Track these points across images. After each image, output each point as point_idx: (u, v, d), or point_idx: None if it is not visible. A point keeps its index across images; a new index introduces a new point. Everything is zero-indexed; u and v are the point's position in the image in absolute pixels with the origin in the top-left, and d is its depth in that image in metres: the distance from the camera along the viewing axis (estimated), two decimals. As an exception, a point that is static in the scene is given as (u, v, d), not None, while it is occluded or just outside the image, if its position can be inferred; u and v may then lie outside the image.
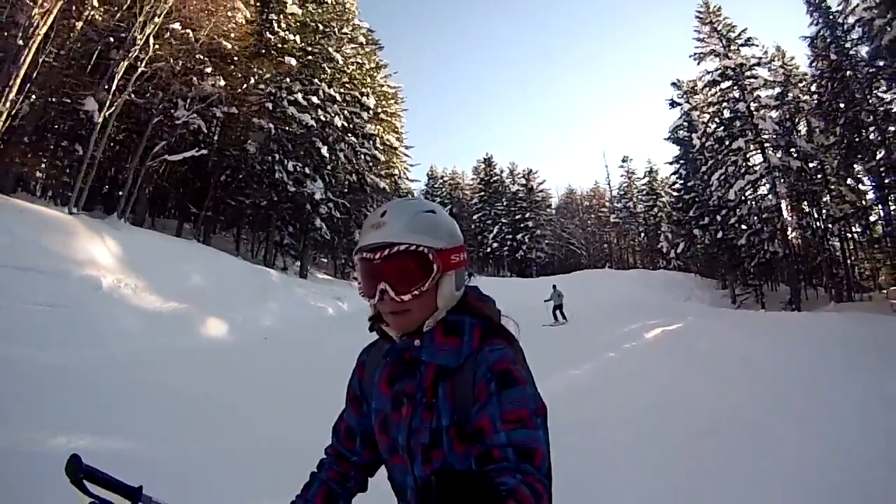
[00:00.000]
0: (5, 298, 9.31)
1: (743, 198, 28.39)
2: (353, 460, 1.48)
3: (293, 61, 25.11)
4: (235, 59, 22.37)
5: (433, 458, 1.23)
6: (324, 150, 26.51)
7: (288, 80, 25.05)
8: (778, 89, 29.56)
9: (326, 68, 28.03)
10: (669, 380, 9.09)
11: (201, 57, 20.51)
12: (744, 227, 28.66)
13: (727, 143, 29.67)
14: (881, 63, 21.85)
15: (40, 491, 3.24)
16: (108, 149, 19.78)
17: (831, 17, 25.40)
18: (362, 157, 31.48)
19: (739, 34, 31.26)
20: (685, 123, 36.83)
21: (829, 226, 26.34)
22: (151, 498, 1.20)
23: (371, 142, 32.17)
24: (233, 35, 21.43)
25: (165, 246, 17.19)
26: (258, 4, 24.17)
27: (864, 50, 23.64)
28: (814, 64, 26.74)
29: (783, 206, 27.38)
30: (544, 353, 11.77)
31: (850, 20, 24.31)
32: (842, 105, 24.46)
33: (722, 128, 30.65)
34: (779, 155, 27.26)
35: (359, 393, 1.47)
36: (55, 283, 10.79)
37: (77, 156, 19.04)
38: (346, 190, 30.02)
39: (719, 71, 30.97)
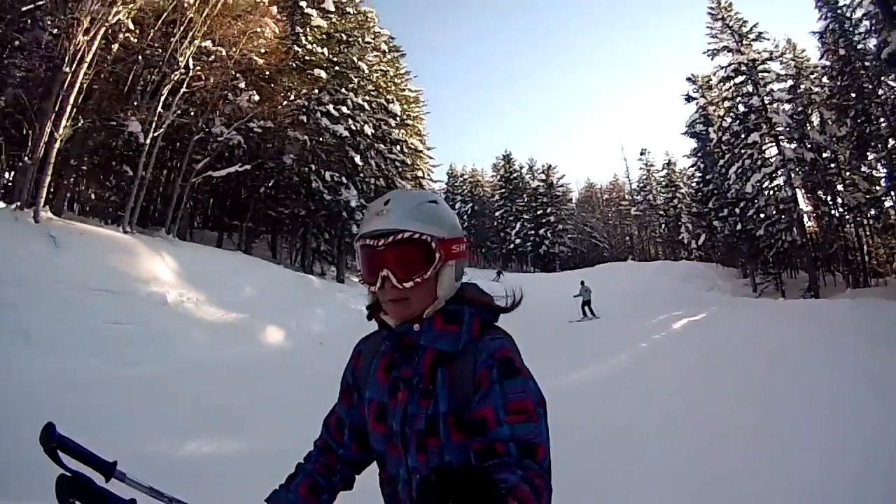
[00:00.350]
0: (86, 318, 9.84)
1: (760, 190, 28.87)
2: (339, 453, 1.47)
3: (322, 73, 25.88)
4: (267, 73, 23.00)
5: (428, 447, 1.23)
6: (357, 159, 27.43)
7: (317, 91, 25.79)
8: (790, 82, 30.07)
9: (353, 77, 28.77)
10: (700, 369, 9.69)
11: (234, 73, 21.16)
12: (762, 216, 29.06)
13: (743, 136, 30.14)
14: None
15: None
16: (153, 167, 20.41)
17: (839, 11, 25.82)
18: (391, 162, 32.41)
19: (751, 29, 31.69)
20: (701, 118, 37.14)
21: (845, 214, 26.93)
22: (126, 474, 1.19)
23: (398, 147, 33.08)
24: (263, 50, 22.04)
25: (216, 259, 18.04)
26: (285, 19, 24.72)
27: (871, 43, 23.98)
28: (824, 57, 27.25)
29: (799, 196, 27.93)
30: (580, 346, 13.36)
31: (858, 13, 24.77)
32: (853, 95, 24.95)
33: (737, 122, 31.11)
34: (793, 146, 27.87)
35: (351, 382, 1.48)
36: (126, 302, 11.35)
37: (127, 176, 19.69)
38: (374, 195, 30.55)
39: (732, 66, 31.40)
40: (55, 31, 16.86)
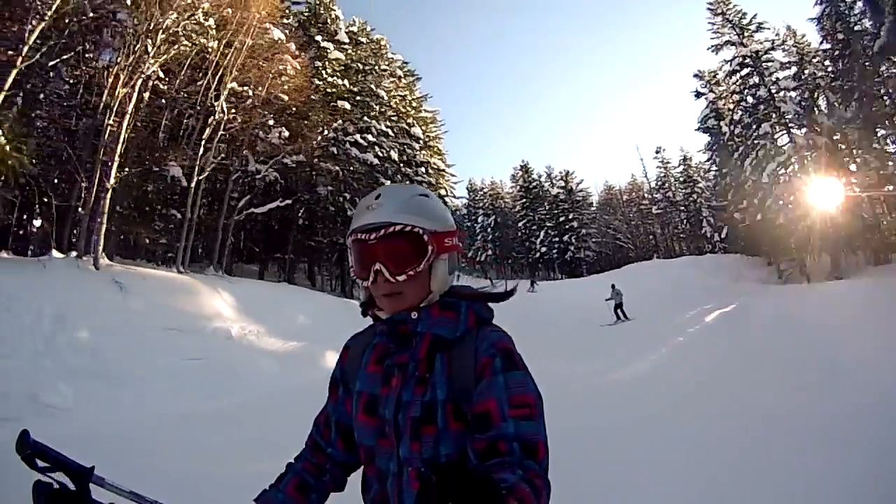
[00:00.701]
0: (162, 357, 10.36)
1: (776, 178, 29.21)
2: (329, 452, 1.45)
3: (346, 104, 26.84)
4: (294, 109, 23.78)
5: (423, 435, 1.20)
6: (388, 184, 27.89)
7: (341, 122, 26.61)
8: (794, 69, 30.49)
9: (373, 105, 29.72)
10: (736, 357, 10.06)
11: (263, 112, 22.02)
12: (780, 204, 29.22)
13: (754, 128, 30.65)
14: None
15: None
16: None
17: (834, -4, 26.16)
18: (418, 184, 32.83)
19: (751, 21, 32.51)
20: (712, 113, 37.33)
21: (860, 193, 27.01)
22: (104, 479, 1.17)
23: (423, 168, 34.04)
24: (286, 87, 22.90)
25: (266, 291, 18.72)
26: (304, 55, 25.30)
27: (867, 23, 24.55)
28: (824, 41, 27.72)
29: (814, 180, 28.10)
30: (619, 346, 14.16)
31: (852, -4, 25.16)
32: (855, 75, 25.30)
33: (747, 114, 31.54)
34: (803, 132, 28.35)
35: (338, 377, 1.46)
36: (195, 339, 11.95)
37: (176, 218, 20.66)
38: None
39: (737, 60, 32.08)
40: (86, 82, 17.95)
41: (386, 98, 31.44)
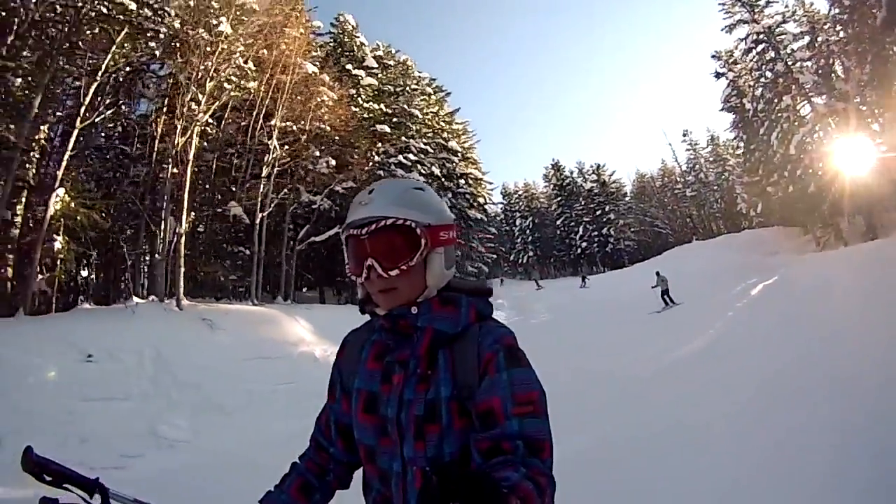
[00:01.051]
0: (258, 384, 10.88)
1: (803, 148, 29.46)
2: (331, 452, 1.44)
3: (386, 128, 28.11)
4: (337, 138, 24.82)
5: (427, 434, 1.19)
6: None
7: (380, 144, 27.80)
8: (807, 38, 30.59)
9: (409, 125, 30.80)
10: (787, 324, 10.66)
11: (308, 144, 23.15)
12: (810, 172, 29.35)
13: (775, 102, 30.99)
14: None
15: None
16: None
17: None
18: (461, 196, 34.32)
19: (761, -5, 32.56)
20: (734, 91, 37.64)
21: (886, 153, 26.96)
22: (109, 490, 1.19)
23: (463, 180, 34.95)
24: (327, 117, 24.03)
25: (337, 315, 18.95)
26: (338, 85, 26.25)
27: None
28: (833, 7, 27.75)
29: (839, 144, 28.23)
30: (675, 327, 15.05)
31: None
32: (867, 37, 25.52)
33: (767, 90, 31.88)
34: (823, 100, 28.76)
35: (336, 375, 1.46)
36: (284, 364, 12.49)
37: (245, 255, 21.95)
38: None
39: (752, 38, 32.36)
40: (123, 133, 18.89)
41: (420, 116, 32.50)
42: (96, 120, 16.07)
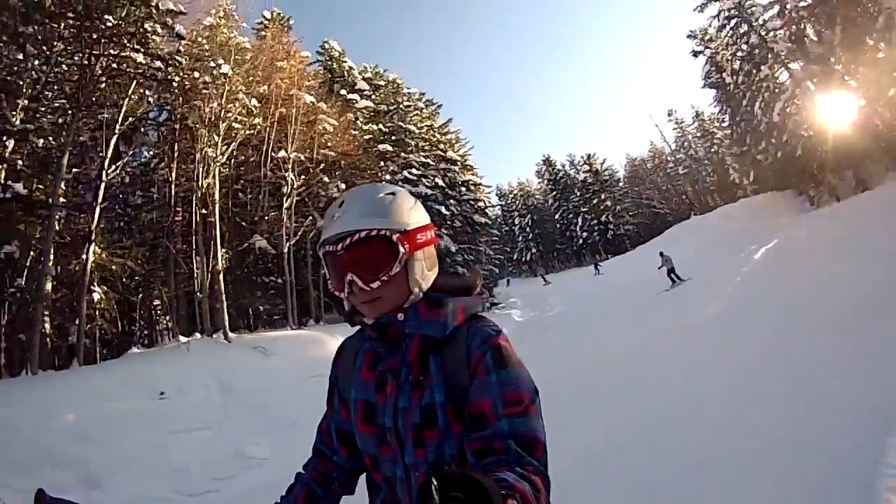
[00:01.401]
0: (321, 399, 10.49)
1: (787, 114, 30.05)
2: (334, 460, 1.45)
3: (388, 146, 28.93)
4: (343, 163, 25.44)
5: (426, 440, 1.21)
6: (443, 210, 30.40)
7: (382, 163, 28.50)
8: (777, 7, 30.67)
9: (408, 140, 31.63)
10: (794, 275, 11.95)
11: (317, 172, 23.76)
12: (796, 136, 29.87)
13: (754, 73, 31.72)
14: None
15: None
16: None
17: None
18: (466, 203, 35.17)
19: (726, -28, 33.01)
20: (713, 67, 38.21)
21: (864, 105, 27.54)
22: None
23: (465, 187, 35.74)
24: (330, 144, 24.68)
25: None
26: (336, 112, 26.52)
27: None
28: None
29: (819, 105, 28.82)
30: (692, 297, 15.93)
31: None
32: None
33: (745, 62, 32.62)
34: (800, 65, 29.46)
35: (334, 382, 1.48)
36: None
37: (277, 284, 22.47)
38: (461, 236, 33.52)
39: (723, 14, 33.02)
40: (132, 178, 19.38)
41: (416, 131, 33.24)
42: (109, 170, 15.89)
